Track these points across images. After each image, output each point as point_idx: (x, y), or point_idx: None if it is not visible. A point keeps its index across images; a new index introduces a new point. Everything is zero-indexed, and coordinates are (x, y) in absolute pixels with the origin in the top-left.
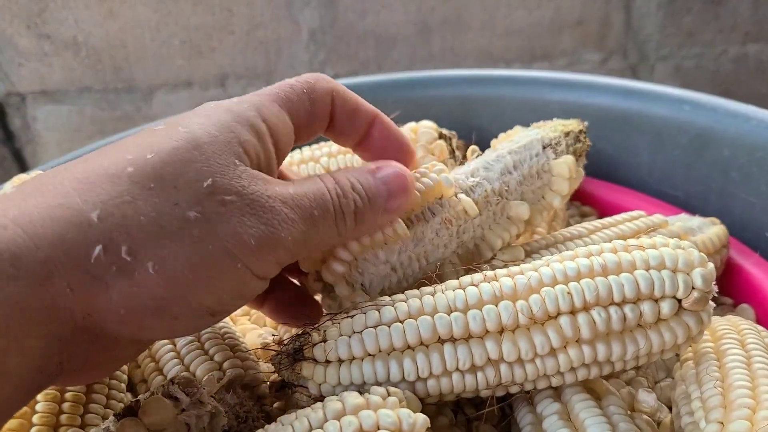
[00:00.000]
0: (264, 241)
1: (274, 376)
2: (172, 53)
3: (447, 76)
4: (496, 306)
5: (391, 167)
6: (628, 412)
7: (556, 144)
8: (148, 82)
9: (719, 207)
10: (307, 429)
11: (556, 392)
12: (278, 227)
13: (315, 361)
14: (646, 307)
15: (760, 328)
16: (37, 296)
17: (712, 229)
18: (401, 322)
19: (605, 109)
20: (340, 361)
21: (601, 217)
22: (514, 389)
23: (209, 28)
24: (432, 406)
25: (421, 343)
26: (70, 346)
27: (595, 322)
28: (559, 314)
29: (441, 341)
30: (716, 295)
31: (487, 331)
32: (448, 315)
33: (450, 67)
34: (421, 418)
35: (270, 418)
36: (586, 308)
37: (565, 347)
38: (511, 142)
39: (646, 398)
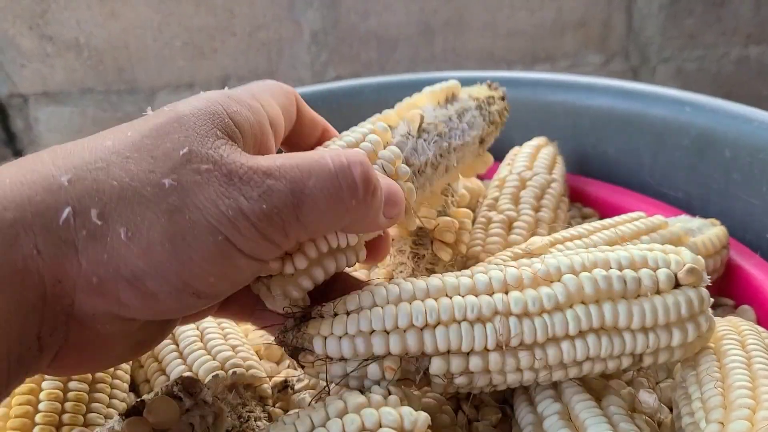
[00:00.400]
0: (244, 213)
1: (277, 377)
2: (174, 54)
3: (449, 77)
4: (502, 272)
5: (384, 180)
6: (629, 413)
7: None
8: (150, 83)
9: (720, 208)
10: (310, 427)
11: (557, 392)
12: (259, 200)
13: (322, 317)
14: (643, 273)
15: (760, 329)
16: (6, 257)
17: (712, 230)
18: (411, 282)
19: (606, 110)
20: (348, 313)
21: (602, 218)
22: (523, 359)
23: (211, 29)
24: (432, 403)
25: (430, 296)
26: (47, 319)
27: (597, 280)
28: (562, 276)
29: (449, 296)
30: (716, 297)
31: (494, 291)
32: (456, 278)
33: (452, 69)
34: (423, 416)
35: (272, 419)
36: (587, 270)
37: (571, 306)
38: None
39: (647, 399)
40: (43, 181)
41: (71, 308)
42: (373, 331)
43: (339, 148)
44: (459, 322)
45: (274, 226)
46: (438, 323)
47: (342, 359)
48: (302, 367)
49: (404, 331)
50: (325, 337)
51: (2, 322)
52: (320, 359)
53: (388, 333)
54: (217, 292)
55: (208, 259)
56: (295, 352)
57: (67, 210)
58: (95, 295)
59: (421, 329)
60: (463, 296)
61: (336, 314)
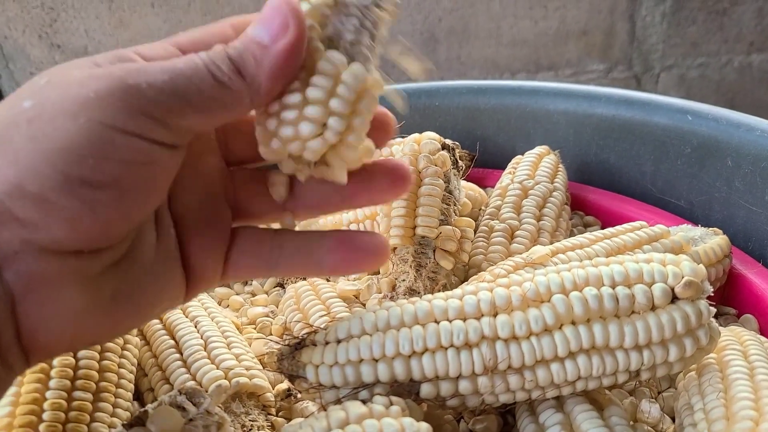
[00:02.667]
0: (107, 90)
1: (280, 386)
2: None
3: (452, 85)
4: (491, 292)
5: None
6: (631, 423)
7: None
8: None
9: (722, 217)
10: None
11: (559, 402)
12: (123, 76)
13: (314, 345)
14: (637, 290)
15: (763, 339)
16: None
17: (714, 239)
18: (399, 306)
19: (608, 118)
20: (338, 341)
21: (604, 227)
22: (513, 381)
23: None
24: (433, 413)
25: (417, 322)
26: None
27: (587, 300)
28: (551, 296)
29: (436, 321)
30: (719, 306)
31: (482, 314)
32: (445, 300)
33: (456, 77)
34: (425, 427)
35: (275, 428)
36: (577, 289)
37: (560, 328)
38: None
39: (649, 409)
40: None
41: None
42: (362, 360)
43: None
44: (446, 349)
45: (149, 100)
46: (425, 350)
47: (334, 387)
48: (299, 392)
49: (392, 359)
50: (317, 366)
51: None
52: (314, 387)
53: (376, 361)
54: (111, 178)
55: (75, 142)
56: (292, 378)
57: None
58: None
59: (409, 357)
60: (450, 321)
61: (327, 342)
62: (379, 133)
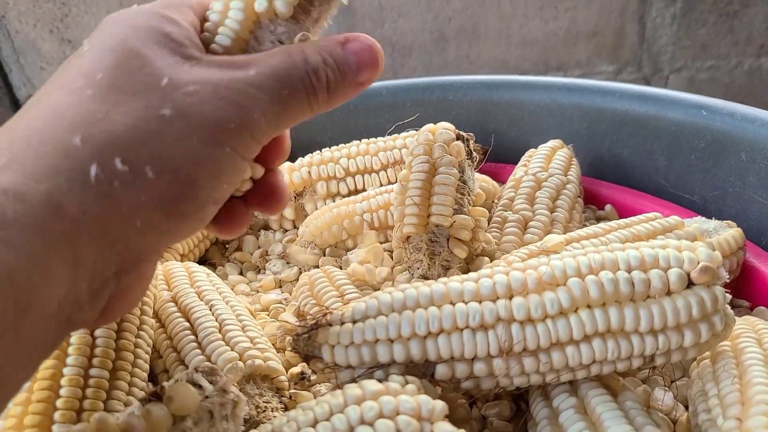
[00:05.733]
0: (240, 124)
1: (293, 369)
2: None
3: (466, 80)
4: (506, 275)
5: (361, 40)
6: (645, 408)
7: None
8: None
9: (736, 211)
10: (328, 414)
11: (573, 387)
12: (250, 108)
13: (330, 325)
14: (653, 274)
15: None
16: (54, 224)
17: (729, 232)
18: (415, 288)
19: (622, 113)
20: (354, 322)
21: None
22: (528, 363)
23: None
24: (448, 397)
25: (433, 304)
26: (98, 273)
27: (602, 284)
28: (567, 279)
29: (452, 303)
30: (732, 299)
31: (498, 296)
32: (460, 283)
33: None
34: (440, 405)
35: (288, 410)
36: (593, 273)
37: (576, 311)
38: None
39: (663, 397)
40: (58, 147)
41: (119, 257)
42: (378, 340)
43: (316, 47)
44: (461, 330)
45: (262, 130)
46: (441, 331)
47: (350, 366)
48: (314, 372)
49: (408, 339)
50: (333, 346)
51: (56, 287)
52: (329, 367)
53: (392, 342)
54: (225, 197)
55: (222, 170)
56: (307, 358)
57: (94, 167)
58: (140, 235)
59: (424, 338)
60: (466, 303)
61: (343, 323)
62: (269, 203)
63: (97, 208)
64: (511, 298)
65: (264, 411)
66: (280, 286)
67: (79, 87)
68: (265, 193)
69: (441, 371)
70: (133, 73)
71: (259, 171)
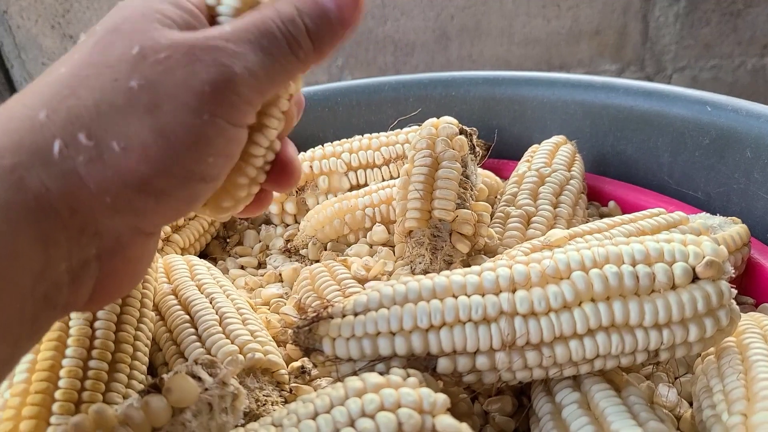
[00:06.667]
0: (220, 82)
1: (294, 363)
2: None
3: (469, 76)
4: (510, 268)
5: None
6: (649, 404)
7: None
8: None
9: (741, 208)
10: (329, 406)
11: (576, 382)
12: (228, 63)
13: (331, 318)
14: (658, 268)
15: None
16: (17, 198)
17: (734, 228)
18: (417, 281)
19: (626, 109)
20: (356, 314)
21: None
22: (531, 357)
23: None
24: (449, 392)
25: (436, 297)
26: (74, 253)
27: (607, 277)
28: (571, 273)
29: (454, 296)
30: (737, 295)
31: (501, 290)
32: (463, 276)
33: None
34: (442, 398)
35: (288, 404)
36: (597, 266)
37: (580, 304)
38: None
39: (666, 393)
40: (24, 123)
41: (97, 237)
42: (379, 333)
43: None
44: (464, 323)
45: (250, 87)
46: (443, 324)
47: (351, 359)
48: (315, 365)
49: (409, 332)
50: (334, 339)
51: (23, 260)
52: (330, 359)
53: (393, 335)
54: (218, 172)
55: (200, 139)
56: (308, 351)
57: (57, 142)
58: (113, 213)
59: (426, 331)
60: (468, 296)
61: (344, 315)
62: (282, 178)
63: (61, 184)
64: (514, 291)
65: (264, 404)
66: (281, 280)
67: (56, 67)
68: (275, 167)
69: (443, 365)
70: (107, 46)
71: (277, 143)
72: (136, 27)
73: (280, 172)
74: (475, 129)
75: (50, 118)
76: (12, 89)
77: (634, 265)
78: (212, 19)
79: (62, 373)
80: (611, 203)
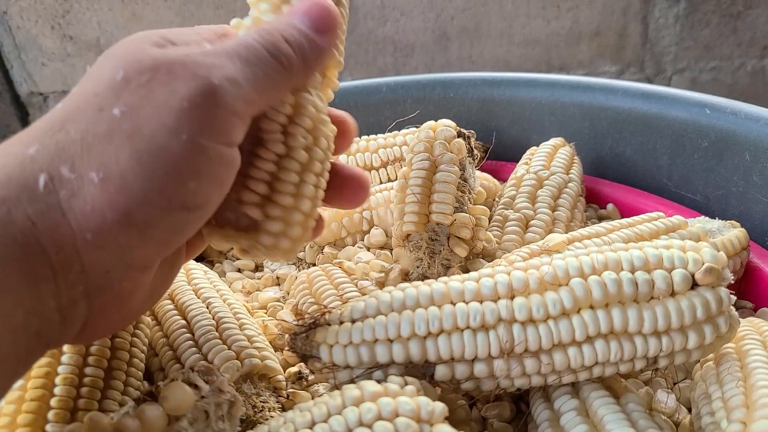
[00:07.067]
0: (198, 96)
1: (291, 369)
2: None
3: (467, 77)
4: (508, 275)
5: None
6: (648, 411)
7: None
8: None
9: (739, 211)
10: (326, 415)
11: (574, 389)
12: (205, 74)
13: (328, 325)
14: (657, 275)
15: None
16: (4, 231)
17: (732, 232)
18: (415, 287)
19: (625, 112)
20: (353, 321)
21: None
22: (529, 365)
23: None
24: (447, 397)
25: (433, 303)
26: (62, 290)
27: (606, 284)
28: (570, 279)
29: (452, 302)
30: (735, 300)
31: (499, 296)
32: (461, 282)
33: None
34: (440, 406)
35: (286, 410)
36: (596, 273)
37: (578, 311)
38: None
39: (665, 399)
40: (16, 159)
41: (84, 275)
42: (377, 340)
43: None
44: (462, 330)
45: (235, 98)
46: (441, 332)
47: (348, 367)
48: (312, 372)
49: (407, 340)
50: (331, 346)
51: (15, 295)
52: (327, 367)
53: (391, 342)
54: (204, 199)
55: (179, 163)
56: (305, 358)
57: (42, 176)
58: (96, 250)
59: (424, 338)
60: (467, 302)
61: (341, 322)
62: (339, 139)
63: (45, 220)
64: (512, 298)
65: (261, 411)
66: (278, 284)
67: (59, 104)
68: (338, 182)
69: (441, 372)
70: (97, 73)
71: (325, 118)
72: (128, 49)
73: (342, 184)
74: (473, 131)
75: (39, 153)
76: (12, 90)
77: (633, 271)
78: None
79: (58, 380)
80: (610, 206)
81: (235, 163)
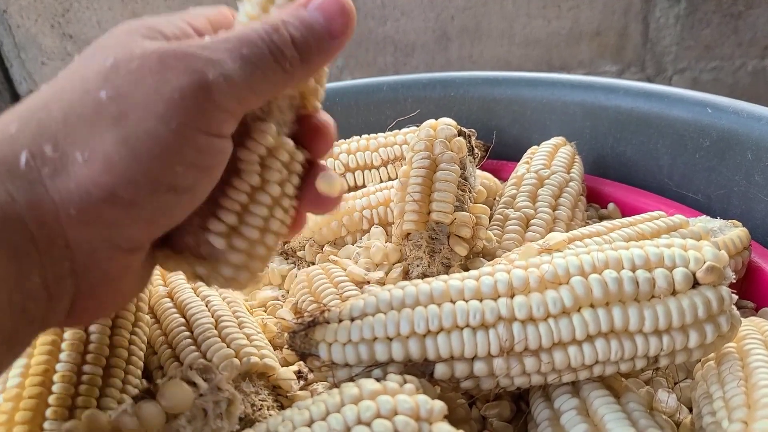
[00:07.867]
0: (190, 89)
1: (290, 367)
2: None
3: (468, 76)
4: (508, 273)
5: None
6: (648, 410)
7: None
8: None
9: (741, 211)
10: (324, 413)
11: (575, 388)
12: (201, 69)
13: (327, 323)
14: (658, 274)
15: None
16: None
17: (734, 231)
18: (415, 286)
19: (626, 111)
20: (352, 319)
21: None
22: (529, 363)
23: None
24: (446, 396)
25: (433, 302)
26: (48, 266)
27: (606, 283)
28: (570, 278)
29: (452, 301)
30: (737, 300)
31: (499, 295)
32: (461, 281)
33: None
34: (439, 405)
35: (284, 408)
36: (597, 271)
37: (579, 310)
38: None
39: (666, 399)
40: None
41: (69, 251)
42: (376, 338)
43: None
44: (461, 329)
45: (227, 94)
46: (440, 330)
47: (347, 365)
48: (311, 370)
49: (406, 338)
50: (330, 344)
51: None
52: (326, 365)
53: (390, 340)
54: (191, 183)
55: (167, 148)
56: (304, 356)
57: (24, 153)
58: (81, 226)
59: (424, 336)
60: (466, 301)
61: (341, 320)
62: (317, 142)
63: (27, 195)
64: (512, 296)
65: (260, 409)
66: (278, 282)
67: (41, 88)
68: (306, 133)
69: (440, 371)
70: (86, 60)
71: (299, 155)
72: (118, 40)
73: (310, 136)
74: (473, 130)
75: (21, 131)
76: (12, 89)
77: (633, 270)
78: None
79: (56, 377)
80: (611, 205)
81: (225, 151)
